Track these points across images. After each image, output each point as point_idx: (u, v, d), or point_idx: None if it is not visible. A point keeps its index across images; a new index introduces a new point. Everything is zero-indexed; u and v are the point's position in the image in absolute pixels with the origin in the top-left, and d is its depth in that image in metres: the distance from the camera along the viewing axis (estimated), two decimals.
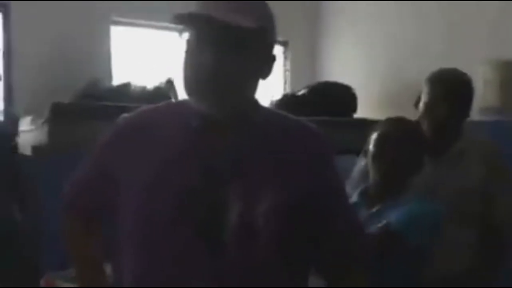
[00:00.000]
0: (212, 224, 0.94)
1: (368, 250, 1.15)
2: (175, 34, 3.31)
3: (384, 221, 1.33)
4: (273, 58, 1.01)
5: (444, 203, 1.62)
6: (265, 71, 0.99)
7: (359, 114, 3.07)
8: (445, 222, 1.49)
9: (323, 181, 1.01)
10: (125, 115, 1.12)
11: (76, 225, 1.15)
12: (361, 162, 1.88)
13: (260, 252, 0.94)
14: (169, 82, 2.66)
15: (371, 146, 1.48)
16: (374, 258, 1.20)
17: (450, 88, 1.66)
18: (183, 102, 1.03)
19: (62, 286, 1.83)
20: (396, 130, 1.47)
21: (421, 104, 1.71)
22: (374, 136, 1.49)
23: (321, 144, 1.05)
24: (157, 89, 2.63)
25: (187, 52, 0.96)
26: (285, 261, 0.97)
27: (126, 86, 2.61)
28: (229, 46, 0.91)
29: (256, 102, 1.04)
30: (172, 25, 3.25)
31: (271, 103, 3.02)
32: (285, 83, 3.75)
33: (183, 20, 0.95)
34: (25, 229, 1.62)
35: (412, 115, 1.80)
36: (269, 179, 0.96)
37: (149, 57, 3.11)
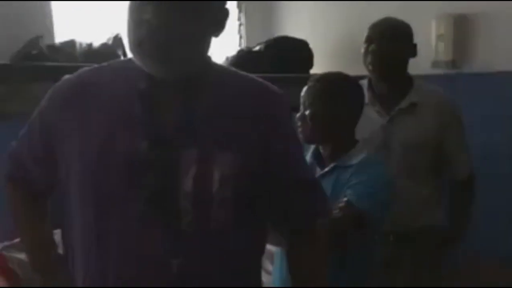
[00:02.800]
0: (165, 192, 0.89)
1: (330, 232, 1.15)
2: None
3: (344, 199, 1.29)
4: (225, 13, 0.93)
5: (397, 157, 1.65)
6: (217, 28, 0.92)
7: (315, 69, 3.04)
8: (399, 177, 1.51)
9: (278, 142, 0.98)
10: (66, 76, 1.03)
11: (18, 198, 1.09)
12: None
13: (216, 217, 0.91)
14: (117, 39, 2.50)
15: (301, 107, 1.47)
16: (336, 241, 1.20)
17: (383, 29, 1.69)
18: (128, 61, 0.95)
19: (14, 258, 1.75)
20: (312, 86, 1.45)
21: (362, 51, 1.73)
22: (301, 96, 1.48)
23: (276, 103, 1.00)
24: (104, 46, 2.48)
25: (130, 5, 0.87)
26: (242, 223, 0.95)
27: (70, 44, 2.44)
28: (173, 2, 0.83)
29: (208, 61, 0.97)
30: None
31: (226, 59, 2.94)
32: (240, 38, 3.64)
33: None
34: None
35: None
36: (223, 142, 0.92)
37: (94, 11, 2.90)
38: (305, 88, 1.48)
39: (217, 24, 0.92)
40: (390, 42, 1.68)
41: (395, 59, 1.71)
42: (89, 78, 0.99)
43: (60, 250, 1.10)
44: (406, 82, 1.76)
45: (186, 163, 0.90)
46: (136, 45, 0.87)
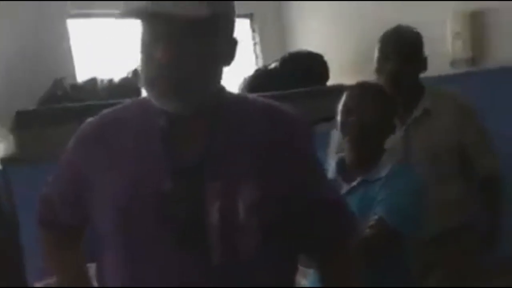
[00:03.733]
0: (193, 226, 0.90)
1: (362, 252, 1.12)
2: (135, 21, 3.18)
3: (375, 217, 1.26)
4: (234, 42, 0.95)
5: (420, 165, 1.62)
6: (227, 57, 0.94)
7: (331, 81, 3.04)
8: (427, 184, 1.48)
9: (300, 166, 0.98)
10: (89, 120, 1.06)
11: (51, 240, 1.12)
12: (334, 134, 1.86)
13: (245, 248, 0.91)
14: (137, 72, 2.56)
15: (338, 116, 1.44)
16: (371, 259, 1.17)
17: (396, 42, 1.68)
18: (146, 99, 0.97)
19: None
20: (357, 95, 1.43)
21: (375, 63, 1.72)
22: (339, 105, 1.46)
23: (295, 127, 1.00)
24: (124, 81, 2.55)
25: (141, 45, 0.90)
26: (271, 252, 0.95)
27: (92, 82, 2.52)
28: (182, 38, 0.85)
29: (221, 91, 0.99)
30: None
31: (244, 80, 2.97)
32: (256, 57, 3.68)
33: (128, 15, 0.89)
34: (4, 247, 1.57)
35: None
36: (246, 172, 0.92)
37: (111, 48, 3.00)
38: (343, 99, 1.45)
39: (227, 54, 0.94)
40: (407, 63, 1.67)
41: (411, 78, 1.72)
42: (111, 118, 1.01)
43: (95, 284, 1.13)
44: (418, 89, 1.75)
45: (211, 196, 0.90)
46: (150, 83, 0.89)
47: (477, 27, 2.50)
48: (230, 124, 0.95)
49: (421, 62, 1.75)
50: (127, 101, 1.07)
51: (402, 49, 1.68)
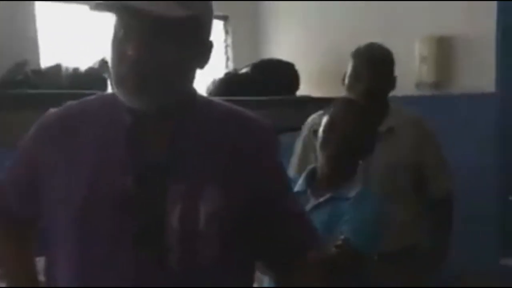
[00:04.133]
0: (152, 229, 0.88)
1: (326, 265, 1.13)
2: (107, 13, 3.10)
3: (342, 237, 1.29)
4: (209, 45, 0.93)
5: (378, 180, 1.66)
6: (202, 60, 0.92)
7: (301, 91, 3.07)
8: (388, 206, 1.50)
9: (265, 175, 0.97)
10: (53, 110, 1.02)
11: (3, 233, 1.07)
12: (299, 142, 1.88)
13: (203, 253, 0.90)
14: (103, 62, 2.50)
15: (320, 130, 1.45)
16: (332, 277, 1.18)
17: (369, 61, 1.71)
18: (113, 95, 0.94)
19: None
20: (342, 112, 1.44)
21: (346, 78, 1.75)
22: (322, 120, 1.46)
23: (262, 136, 1.00)
24: (90, 70, 2.48)
25: (113, 40, 0.87)
26: (230, 258, 0.94)
27: (56, 69, 2.43)
28: (155, 37, 0.83)
29: (193, 93, 0.97)
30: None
31: (213, 81, 2.96)
32: (227, 59, 3.67)
33: (103, 9, 0.86)
34: None
35: None
36: (209, 177, 0.91)
37: (79, 35, 2.90)
38: (333, 112, 1.44)
39: (202, 57, 0.92)
40: (379, 81, 1.71)
41: (382, 96, 1.75)
42: (74, 113, 0.97)
43: (42, 278, 1.09)
44: (383, 107, 1.79)
45: (172, 199, 0.88)
46: (119, 80, 0.86)
47: (443, 53, 2.60)
48: (196, 127, 0.94)
49: (392, 81, 1.79)
50: (97, 94, 1.03)
51: (375, 67, 1.71)
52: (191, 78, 0.94)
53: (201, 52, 0.92)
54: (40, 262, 1.09)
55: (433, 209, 1.84)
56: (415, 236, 1.80)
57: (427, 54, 2.60)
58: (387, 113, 1.78)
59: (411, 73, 2.62)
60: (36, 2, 2.76)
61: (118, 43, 0.86)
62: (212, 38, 0.95)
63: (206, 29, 0.92)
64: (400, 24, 2.74)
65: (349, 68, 1.76)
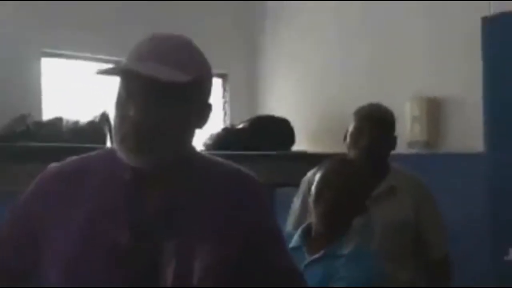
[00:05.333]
0: (146, 284, 0.90)
1: None
2: (109, 65, 3.21)
3: None
4: (208, 107, 0.98)
5: (378, 239, 1.66)
6: (200, 121, 0.97)
7: (297, 146, 3.13)
8: (383, 268, 1.50)
9: (258, 232, 0.99)
10: (53, 165, 1.05)
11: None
12: (297, 198, 1.90)
13: None
14: (104, 116, 2.57)
15: (313, 187, 1.47)
16: None
17: (372, 122, 1.74)
18: (113, 151, 0.98)
19: None
20: (337, 171, 1.46)
21: (347, 137, 1.78)
22: (316, 176, 1.49)
23: (255, 193, 1.02)
24: (91, 124, 2.54)
25: (117, 101, 0.92)
26: None
27: (57, 121, 2.49)
28: (157, 100, 0.88)
29: (190, 152, 1.01)
30: (106, 57, 3.15)
31: (211, 136, 3.02)
32: (224, 115, 3.76)
33: (109, 73, 0.92)
34: None
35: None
36: (204, 235, 0.93)
37: (82, 90, 2.99)
38: (321, 173, 1.46)
39: (201, 118, 0.96)
40: (381, 140, 1.73)
41: (383, 155, 1.78)
42: (74, 168, 0.99)
43: None
44: (384, 166, 1.82)
45: (167, 254, 0.90)
46: (121, 139, 0.90)
47: (434, 113, 2.68)
48: (192, 184, 0.97)
49: (392, 141, 1.82)
50: (97, 150, 1.07)
51: (376, 127, 1.73)
52: (190, 137, 0.98)
53: (200, 114, 0.96)
54: None
55: (433, 270, 1.82)
56: None
57: (418, 113, 2.68)
58: (387, 172, 1.80)
59: (403, 132, 2.69)
60: (43, 58, 2.87)
61: (121, 104, 0.91)
62: (211, 98, 1.00)
63: (206, 92, 0.97)
64: (392, 84, 2.85)
65: (350, 127, 1.78)
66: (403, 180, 1.79)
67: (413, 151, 2.68)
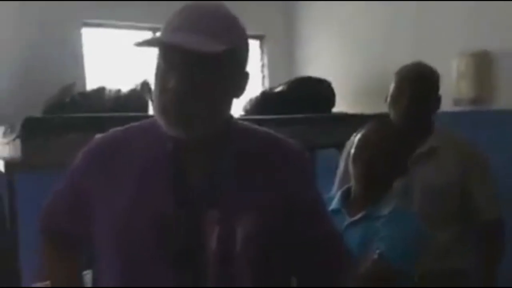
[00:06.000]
0: (191, 251, 0.93)
1: (362, 281, 1.14)
2: (148, 34, 3.25)
3: (376, 253, 1.30)
4: (245, 76, 0.98)
5: (418, 201, 1.63)
6: (238, 90, 0.97)
7: (337, 107, 3.08)
8: (427, 229, 1.47)
9: (301, 200, 1.00)
10: (99, 136, 1.09)
11: (50, 249, 1.14)
12: (341, 159, 1.88)
13: (241, 278, 0.93)
14: (145, 84, 2.60)
15: (352, 149, 1.47)
16: None
17: (412, 81, 1.68)
18: (155, 123, 1.00)
19: None
20: (375, 132, 1.45)
21: (388, 97, 1.73)
22: (356, 138, 1.48)
23: (297, 162, 1.03)
24: (133, 92, 2.58)
25: (156, 72, 0.93)
26: (266, 279, 0.97)
27: (100, 91, 2.55)
28: (195, 70, 0.88)
29: (230, 121, 1.01)
30: (146, 25, 3.16)
31: (250, 100, 3.01)
32: (262, 78, 3.73)
33: (145, 45, 0.92)
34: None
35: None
36: (246, 203, 0.95)
37: (123, 59, 3.04)
38: (361, 134, 1.47)
39: (238, 87, 0.96)
40: (423, 101, 1.67)
41: (425, 116, 1.72)
42: (119, 139, 1.02)
43: None
44: (427, 126, 1.76)
45: (210, 222, 0.93)
46: (161, 111, 0.91)
47: (482, 68, 2.54)
48: (234, 154, 0.98)
49: (435, 101, 1.75)
50: (139, 122, 1.09)
51: (419, 87, 1.67)
52: (229, 107, 0.99)
53: (238, 83, 0.96)
54: (88, 275, 1.15)
55: (483, 233, 1.76)
56: (460, 260, 1.73)
57: (465, 69, 2.55)
58: (429, 133, 1.74)
59: (448, 89, 2.58)
60: (84, 28, 2.92)
61: (161, 75, 0.92)
62: (248, 65, 0.99)
63: (243, 61, 0.97)
64: (436, 39, 2.71)
65: (391, 87, 1.74)
66: (447, 140, 1.72)
67: (460, 108, 2.57)
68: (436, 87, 1.74)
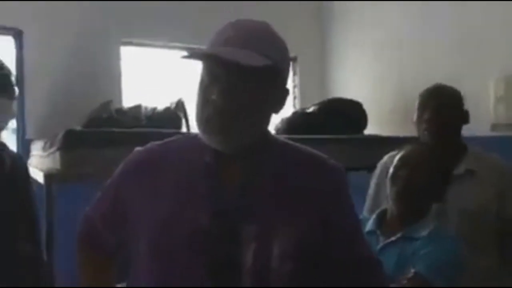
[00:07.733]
0: (225, 264, 0.93)
1: None
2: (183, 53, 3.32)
3: (412, 271, 1.28)
4: (285, 92, 0.99)
5: (454, 224, 1.60)
6: (277, 106, 0.99)
7: (369, 129, 3.05)
8: (457, 241, 1.45)
9: (337, 218, 1.00)
10: (139, 149, 1.12)
11: (86, 257, 1.16)
12: (373, 180, 1.87)
13: None
14: (180, 103, 2.66)
15: (391, 169, 1.46)
16: None
17: (434, 94, 1.70)
18: (195, 136, 1.02)
19: None
20: (415, 153, 1.45)
21: (414, 117, 1.73)
22: (395, 158, 1.48)
23: (335, 179, 1.03)
24: (167, 110, 2.64)
25: (200, 85, 0.96)
26: None
27: (137, 108, 2.62)
28: (239, 84, 0.90)
29: (267, 136, 1.02)
30: (182, 45, 3.25)
31: (282, 120, 3.02)
32: (294, 98, 3.75)
33: (192, 57, 0.95)
34: (37, 261, 1.62)
35: None
36: (283, 218, 0.95)
37: (159, 78, 3.12)
38: (400, 156, 1.48)
39: (278, 103, 0.98)
40: (444, 109, 1.70)
41: (449, 125, 1.72)
42: (158, 152, 1.05)
43: None
44: (460, 148, 1.74)
45: (247, 237, 0.93)
46: (203, 122, 0.93)
47: None
48: (271, 168, 0.99)
49: (461, 112, 1.75)
50: (177, 136, 1.11)
51: (440, 99, 1.70)
52: (267, 121, 1.00)
53: (277, 98, 0.98)
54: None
55: None
56: (499, 284, 1.69)
57: (503, 93, 2.51)
58: (464, 155, 1.72)
59: (486, 113, 2.53)
60: (122, 47, 3.03)
61: (204, 88, 0.94)
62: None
63: (283, 77, 0.99)
64: (474, 63, 2.68)
65: (416, 106, 1.76)
66: (483, 163, 1.69)
67: (497, 133, 2.51)
68: (459, 101, 1.74)
